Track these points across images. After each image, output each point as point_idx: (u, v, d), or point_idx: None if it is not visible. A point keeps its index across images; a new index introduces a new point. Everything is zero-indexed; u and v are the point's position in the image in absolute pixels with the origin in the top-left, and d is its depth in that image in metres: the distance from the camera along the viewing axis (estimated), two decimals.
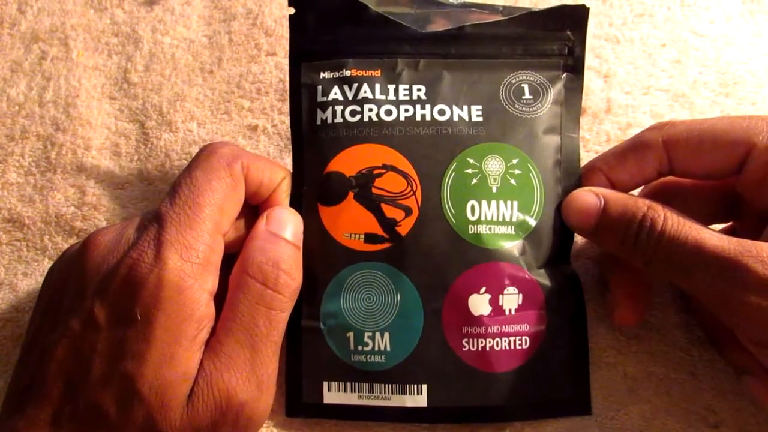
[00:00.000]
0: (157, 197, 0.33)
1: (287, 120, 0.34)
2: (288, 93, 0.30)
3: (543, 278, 0.28)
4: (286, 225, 0.26)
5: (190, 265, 0.23)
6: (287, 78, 0.30)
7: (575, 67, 0.29)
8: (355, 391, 0.28)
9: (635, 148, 0.27)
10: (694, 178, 0.28)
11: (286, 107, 0.34)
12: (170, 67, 0.36)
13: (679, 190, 0.29)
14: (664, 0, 0.36)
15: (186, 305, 0.23)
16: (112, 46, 0.37)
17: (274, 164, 0.28)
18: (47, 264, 0.33)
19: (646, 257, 0.25)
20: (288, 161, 0.33)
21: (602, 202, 0.26)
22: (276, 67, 0.35)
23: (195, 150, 0.34)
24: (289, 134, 0.34)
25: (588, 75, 0.33)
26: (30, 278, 0.32)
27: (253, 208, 0.28)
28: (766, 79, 0.34)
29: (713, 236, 0.24)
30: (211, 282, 0.24)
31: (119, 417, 0.22)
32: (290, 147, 0.30)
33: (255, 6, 0.37)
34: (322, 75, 0.30)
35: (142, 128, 0.35)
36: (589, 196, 0.27)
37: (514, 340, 0.27)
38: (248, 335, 0.24)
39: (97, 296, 0.23)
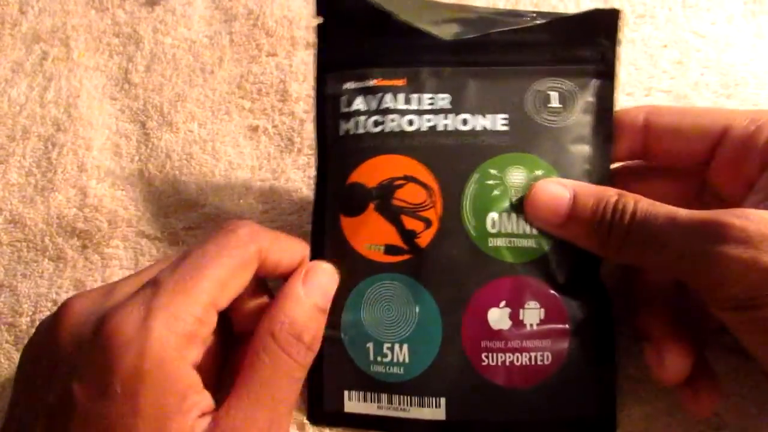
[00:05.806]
0: (158, 198, 0.33)
1: (288, 120, 0.34)
2: (314, 104, 0.29)
3: (567, 293, 0.27)
4: (322, 288, 0.26)
5: (175, 336, 0.22)
6: (288, 78, 0.30)
7: (607, 74, 0.28)
8: (374, 402, 0.27)
9: (616, 124, 0.28)
10: (665, 163, 0.28)
11: (287, 108, 0.34)
12: (171, 67, 0.36)
13: (646, 174, 0.29)
14: (666, 1, 0.35)
15: (167, 378, 0.22)
16: (113, 46, 0.37)
17: (294, 244, 0.27)
18: (47, 264, 0.32)
19: (620, 242, 0.25)
20: (288, 162, 0.33)
21: (571, 195, 0.26)
22: (277, 67, 0.35)
23: (196, 150, 0.34)
24: (289, 134, 0.34)
25: None
26: (29, 280, 0.32)
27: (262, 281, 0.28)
28: (767, 81, 0.34)
29: (683, 210, 0.23)
30: (195, 354, 0.23)
31: None
32: (290, 147, 0.30)
33: (256, 7, 0.36)
34: (346, 85, 0.29)
35: (143, 128, 0.35)
36: (557, 189, 0.26)
37: (536, 356, 0.27)
38: (270, 398, 0.24)
39: (74, 370, 0.22)
